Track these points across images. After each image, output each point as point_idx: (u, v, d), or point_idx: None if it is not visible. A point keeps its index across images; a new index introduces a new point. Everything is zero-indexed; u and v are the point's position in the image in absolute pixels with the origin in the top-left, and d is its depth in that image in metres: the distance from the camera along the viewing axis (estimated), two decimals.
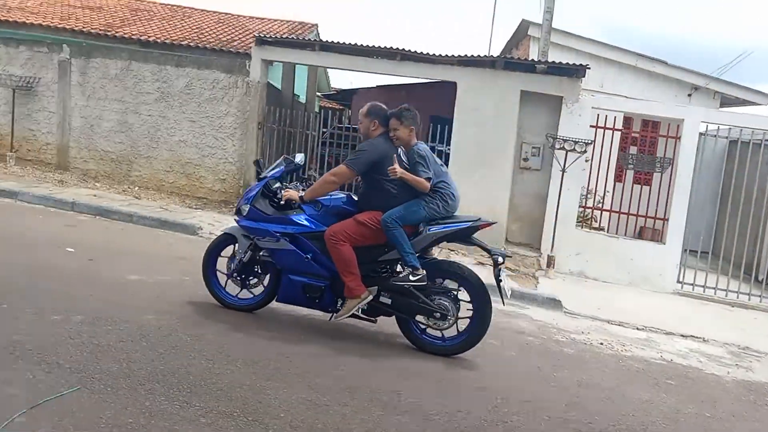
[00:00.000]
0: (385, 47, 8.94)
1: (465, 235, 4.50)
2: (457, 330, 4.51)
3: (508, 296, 4.56)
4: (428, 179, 4.36)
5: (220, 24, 16.11)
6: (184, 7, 17.98)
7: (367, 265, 4.45)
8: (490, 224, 4.54)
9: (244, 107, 9.73)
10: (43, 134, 10.49)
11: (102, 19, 15.27)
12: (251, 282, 4.85)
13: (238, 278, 4.82)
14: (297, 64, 11.72)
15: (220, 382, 3.47)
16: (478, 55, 8.87)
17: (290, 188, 4.66)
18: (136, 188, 9.92)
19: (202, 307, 4.78)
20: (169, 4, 18.27)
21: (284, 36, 10.39)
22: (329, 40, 9.22)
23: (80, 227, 7.33)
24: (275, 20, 17.42)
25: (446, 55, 8.85)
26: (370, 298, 4.39)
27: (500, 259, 4.39)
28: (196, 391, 3.30)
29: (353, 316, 4.45)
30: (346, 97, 18.59)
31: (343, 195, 4.70)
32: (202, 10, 17.92)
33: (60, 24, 14.14)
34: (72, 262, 5.62)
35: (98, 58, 10.22)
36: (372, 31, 77.25)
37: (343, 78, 35.95)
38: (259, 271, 4.83)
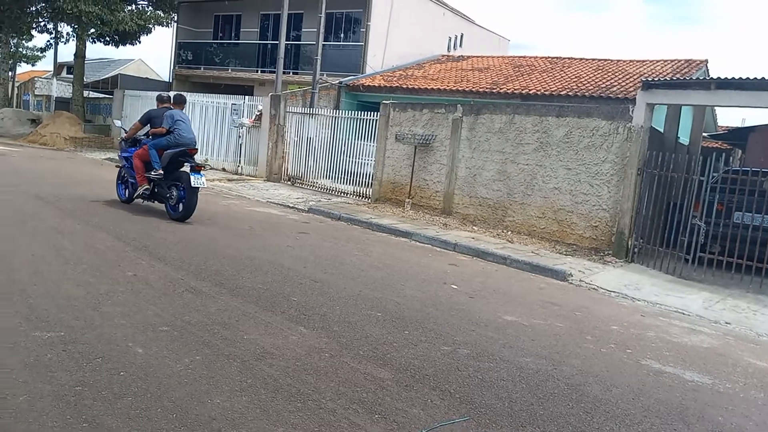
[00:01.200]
0: None
1: (184, 154, 8.64)
2: (181, 206, 8.53)
3: (193, 184, 8.31)
4: (163, 127, 8.75)
5: (599, 71, 16.07)
6: (564, 58, 18.53)
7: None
8: (195, 149, 8.80)
9: (623, 153, 9.40)
10: (434, 183, 11.94)
11: (489, 78, 16.83)
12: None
13: (124, 185, 9.58)
14: (687, 105, 10.82)
15: None
16: None
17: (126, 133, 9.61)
18: (509, 232, 10.43)
19: (579, 356, 4.67)
20: (549, 57, 19.09)
21: (671, 77, 9.72)
22: (727, 77, 8.24)
23: (461, 266, 8.02)
24: (657, 61, 16.55)
25: None
26: (146, 187, 8.82)
27: (187, 167, 8.54)
28: None
29: (141, 197, 8.94)
30: (738, 135, 16.35)
31: (169, 140, 8.75)
32: (581, 59, 18.19)
33: (454, 86, 16.11)
34: (456, 297, 6.17)
35: (485, 114, 11.18)
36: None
37: (732, 116, 31.93)
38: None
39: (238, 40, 23.60)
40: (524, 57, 20.26)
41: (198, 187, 8.43)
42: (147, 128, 9.26)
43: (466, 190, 11.39)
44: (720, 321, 6.45)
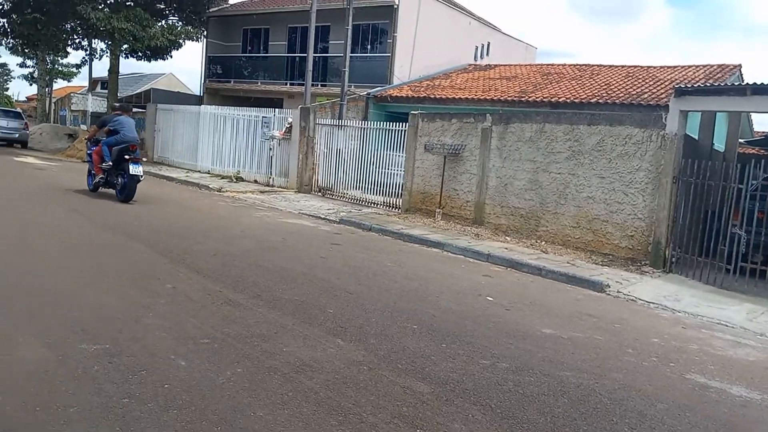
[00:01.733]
0: None
1: (127, 150, 10.85)
2: (126, 192, 10.83)
3: (132, 172, 10.69)
4: (109, 128, 11.23)
5: (629, 78, 15.89)
6: (592, 66, 18.37)
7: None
8: (134, 143, 11.05)
9: (657, 161, 9.25)
10: (464, 193, 11.90)
11: (517, 86, 16.75)
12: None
13: (91, 176, 11.77)
14: (722, 112, 10.62)
15: None
16: None
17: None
18: (543, 243, 10.32)
19: (620, 370, 4.59)
20: (577, 65, 18.94)
21: (705, 83, 9.56)
22: (764, 83, 8.07)
23: (495, 278, 7.96)
24: (688, 66, 16.29)
25: None
26: (101, 176, 11.22)
27: (132, 165, 10.71)
28: None
29: (99, 184, 11.40)
30: None
31: (116, 138, 11.09)
32: (610, 66, 18.01)
33: (482, 96, 16.06)
34: (492, 309, 6.12)
35: (515, 123, 11.12)
36: None
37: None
38: None
39: (267, 53, 23.91)
40: (552, 65, 20.13)
41: (136, 175, 10.74)
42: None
43: (498, 200, 11.32)
44: (766, 333, 6.28)
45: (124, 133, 11.06)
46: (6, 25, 24.60)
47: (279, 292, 5.82)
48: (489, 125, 11.51)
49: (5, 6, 22.99)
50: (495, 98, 15.71)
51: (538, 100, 15.06)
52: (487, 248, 9.41)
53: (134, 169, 10.72)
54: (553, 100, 14.80)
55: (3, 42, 31.54)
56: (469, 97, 16.19)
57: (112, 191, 11.34)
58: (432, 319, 5.44)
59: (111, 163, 11.00)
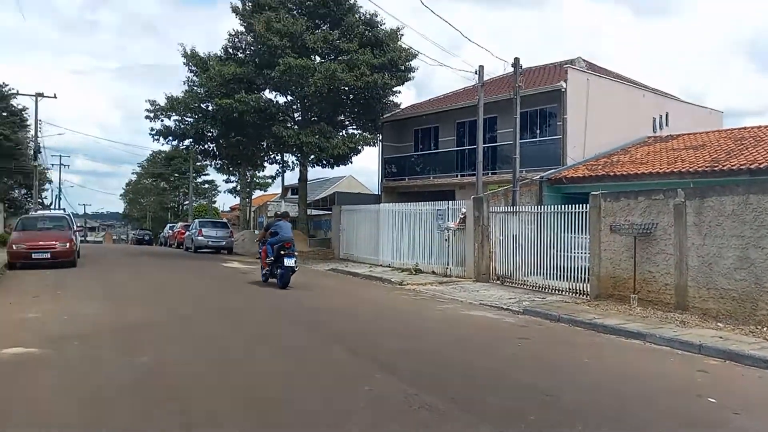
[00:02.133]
0: None
1: (284, 247, 13.59)
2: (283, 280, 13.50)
3: (286, 264, 13.34)
4: (270, 231, 14.32)
5: None
6: None
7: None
8: (289, 241, 13.71)
9: None
10: (662, 275, 10.92)
11: (707, 155, 15.49)
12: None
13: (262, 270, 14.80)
14: None
15: None
16: None
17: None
18: (765, 328, 9.00)
19: None
20: None
21: None
22: None
23: (713, 373, 7.04)
24: None
25: None
26: (267, 269, 14.25)
27: (287, 258, 13.41)
28: None
29: (265, 276, 14.41)
30: None
31: (276, 238, 13.84)
32: None
33: (667, 168, 15.05)
34: (717, 414, 5.38)
35: (712, 197, 10.15)
36: None
37: None
38: None
39: (437, 149, 24.87)
40: (745, 128, 18.40)
41: (290, 266, 13.31)
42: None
43: (702, 282, 10.22)
44: None
45: (281, 234, 13.83)
46: (215, 149, 28.63)
47: (472, 393, 5.69)
48: (682, 200, 10.63)
49: (214, 133, 26.82)
50: (683, 170, 14.60)
51: (734, 168, 13.72)
52: (697, 338, 8.42)
53: (288, 262, 13.33)
54: (752, 166, 13.38)
55: (212, 163, 36.64)
56: (653, 171, 15.24)
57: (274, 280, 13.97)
58: (648, 427, 4.91)
59: (273, 258, 13.74)
